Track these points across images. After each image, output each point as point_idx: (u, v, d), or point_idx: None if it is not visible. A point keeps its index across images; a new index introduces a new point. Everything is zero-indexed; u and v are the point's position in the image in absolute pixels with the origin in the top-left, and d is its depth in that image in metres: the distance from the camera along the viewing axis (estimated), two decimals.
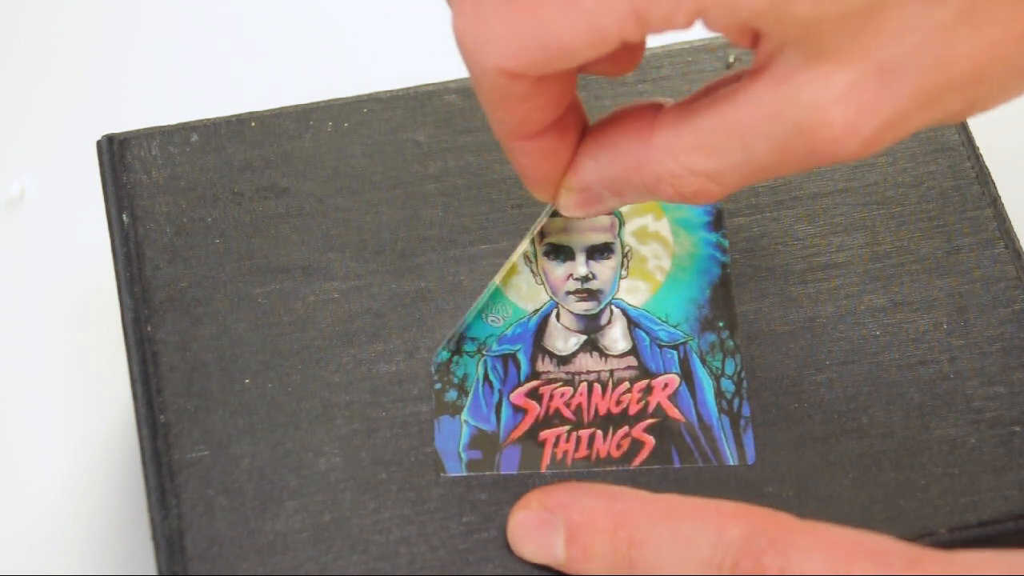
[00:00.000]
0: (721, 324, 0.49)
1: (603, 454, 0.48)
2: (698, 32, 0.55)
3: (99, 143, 0.52)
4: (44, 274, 0.58)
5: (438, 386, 0.48)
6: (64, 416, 0.55)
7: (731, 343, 0.49)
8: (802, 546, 0.43)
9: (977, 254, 0.51)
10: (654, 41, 0.54)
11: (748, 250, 0.51)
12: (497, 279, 0.49)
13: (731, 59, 0.54)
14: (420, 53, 0.51)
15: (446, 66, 0.51)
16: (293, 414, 0.48)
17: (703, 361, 0.49)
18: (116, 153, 0.52)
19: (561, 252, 0.50)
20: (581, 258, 0.50)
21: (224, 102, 0.55)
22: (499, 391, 0.48)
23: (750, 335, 0.49)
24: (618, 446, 0.48)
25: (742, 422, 0.48)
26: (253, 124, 0.53)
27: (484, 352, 0.49)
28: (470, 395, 0.48)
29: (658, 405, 0.48)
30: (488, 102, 0.43)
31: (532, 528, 0.45)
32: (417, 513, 0.47)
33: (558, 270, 0.50)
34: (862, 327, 0.50)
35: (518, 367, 0.49)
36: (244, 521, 0.46)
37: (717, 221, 0.51)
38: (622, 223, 0.51)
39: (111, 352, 0.54)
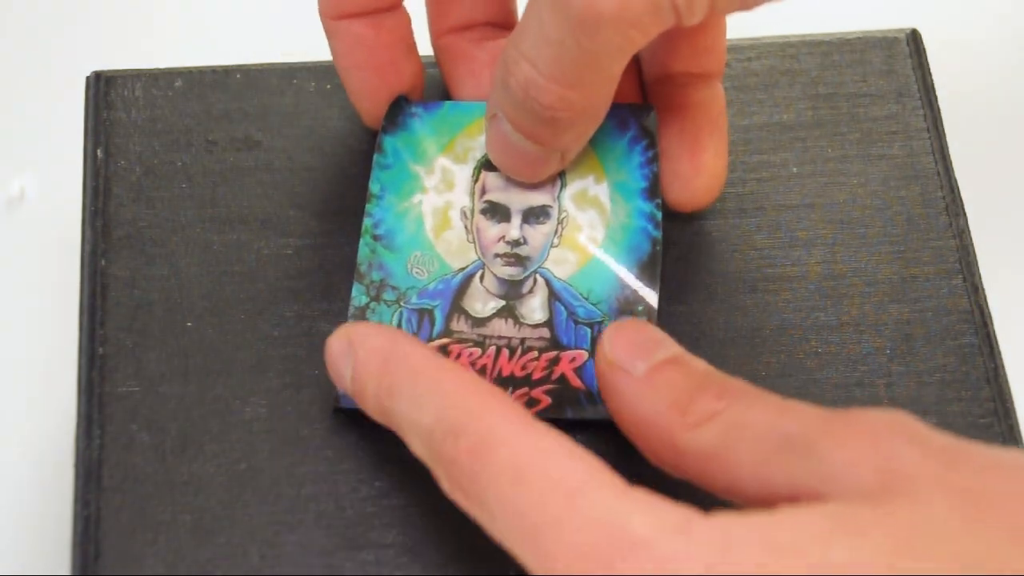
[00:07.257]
0: (640, 309, 0.49)
1: None
2: None
3: (88, 79, 0.53)
4: (44, 274, 0.59)
5: None
6: (64, 417, 0.56)
7: None
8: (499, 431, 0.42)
9: (934, 284, 0.50)
10: None
11: (705, 254, 0.51)
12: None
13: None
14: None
15: None
16: (228, 362, 0.49)
17: None
18: (101, 90, 0.53)
19: (498, 211, 0.50)
20: (516, 220, 0.50)
21: (213, 55, 0.56)
22: None
23: (691, 338, 0.49)
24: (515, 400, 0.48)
25: None
26: (238, 76, 0.54)
27: (402, 303, 0.49)
28: None
29: (562, 375, 0.48)
30: None
31: (333, 356, 0.46)
32: (332, 472, 0.47)
33: (492, 230, 0.50)
34: (804, 342, 0.50)
35: (432, 323, 0.49)
36: (161, 459, 0.47)
37: (653, 189, 0.50)
38: (564, 185, 0.51)
39: None
